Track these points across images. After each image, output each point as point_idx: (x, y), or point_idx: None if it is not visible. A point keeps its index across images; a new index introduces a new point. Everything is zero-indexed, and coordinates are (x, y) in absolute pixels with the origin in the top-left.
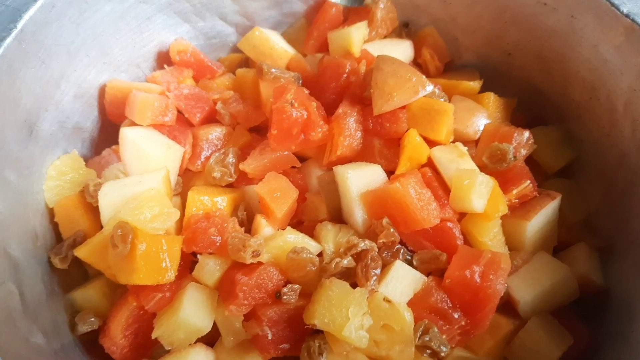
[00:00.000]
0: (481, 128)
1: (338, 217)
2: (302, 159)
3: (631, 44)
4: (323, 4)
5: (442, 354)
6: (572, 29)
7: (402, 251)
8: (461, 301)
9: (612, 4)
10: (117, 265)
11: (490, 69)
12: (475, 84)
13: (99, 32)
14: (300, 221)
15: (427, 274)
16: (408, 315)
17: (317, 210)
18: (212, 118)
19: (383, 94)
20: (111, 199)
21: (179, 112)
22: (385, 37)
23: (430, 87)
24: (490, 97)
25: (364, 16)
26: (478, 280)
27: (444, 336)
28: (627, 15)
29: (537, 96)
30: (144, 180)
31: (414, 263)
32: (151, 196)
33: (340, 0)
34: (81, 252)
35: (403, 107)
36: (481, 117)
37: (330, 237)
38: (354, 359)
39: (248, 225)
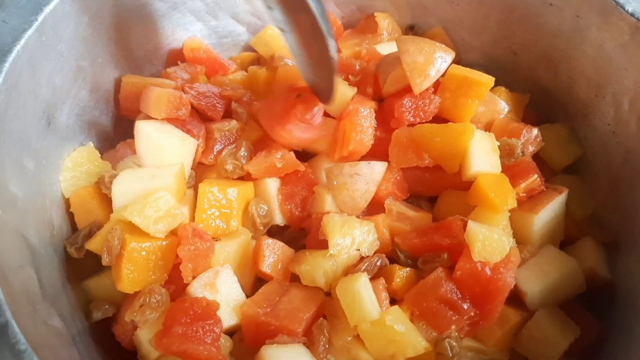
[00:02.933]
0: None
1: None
2: (312, 155)
3: (636, 42)
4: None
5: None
6: (577, 29)
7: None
8: (471, 293)
9: (617, 3)
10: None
11: (497, 69)
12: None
13: (116, 28)
14: (309, 214)
15: None
16: (398, 326)
17: (324, 202)
18: (226, 113)
19: (418, 72)
20: (124, 189)
21: (193, 107)
22: None
23: (452, 53)
24: (503, 91)
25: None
26: (489, 273)
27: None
28: (632, 14)
29: (543, 95)
30: (157, 175)
31: (419, 265)
32: (159, 197)
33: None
34: (92, 245)
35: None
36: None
37: (337, 228)
38: (356, 354)
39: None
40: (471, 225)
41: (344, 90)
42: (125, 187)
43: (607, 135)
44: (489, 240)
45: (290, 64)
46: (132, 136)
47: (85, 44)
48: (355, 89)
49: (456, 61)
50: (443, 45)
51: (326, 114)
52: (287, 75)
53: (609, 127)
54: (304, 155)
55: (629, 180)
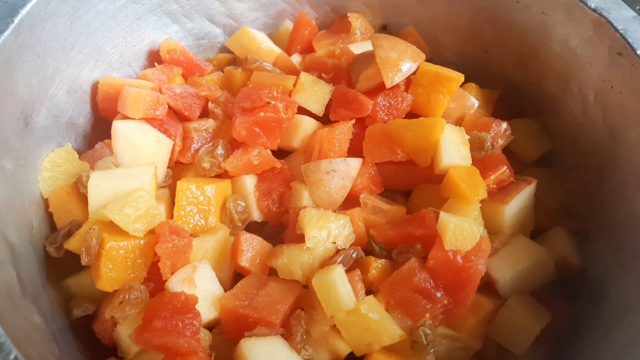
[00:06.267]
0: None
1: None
2: (289, 152)
3: (599, 37)
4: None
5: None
6: (544, 25)
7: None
8: (444, 281)
9: (581, 0)
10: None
11: (469, 66)
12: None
13: (92, 30)
14: (287, 210)
15: None
16: (373, 315)
17: (301, 197)
18: (203, 113)
19: (390, 67)
20: (99, 190)
21: (170, 107)
22: None
23: (423, 56)
24: (473, 87)
25: (345, 26)
26: (460, 261)
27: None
28: (594, 10)
29: (513, 90)
30: (134, 174)
31: (394, 256)
32: (139, 197)
33: None
34: (71, 244)
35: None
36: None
37: (313, 222)
38: (333, 344)
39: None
40: (443, 215)
41: (322, 89)
42: (101, 187)
43: (575, 127)
44: (460, 230)
45: (265, 65)
46: (110, 136)
47: (62, 45)
48: (331, 85)
49: (429, 59)
50: (415, 47)
51: (308, 113)
52: (261, 78)
53: (576, 120)
54: (281, 152)
55: (597, 171)
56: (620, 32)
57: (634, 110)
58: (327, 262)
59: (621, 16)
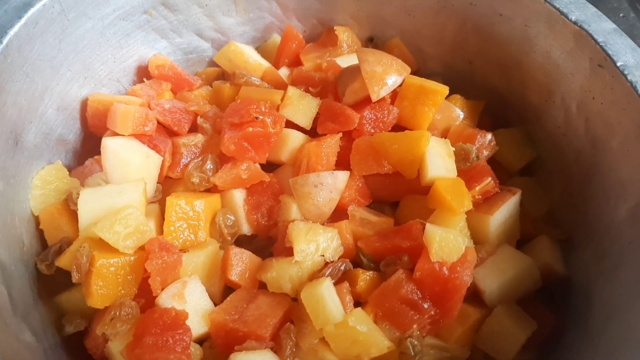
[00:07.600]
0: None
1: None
2: (277, 165)
3: (580, 49)
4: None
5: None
6: (527, 37)
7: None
8: (431, 292)
9: (562, 13)
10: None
11: (454, 77)
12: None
13: (81, 48)
14: (276, 223)
15: None
16: (361, 327)
17: (289, 211)
18: (192, 128)
19: (376, 81)
20: (90, 208)
21: (159, 122)
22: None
23: (408, 69)
24: (458, 99)
25: (332, 39)
26: (446, 272)
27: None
28: (575, 23)
29: (498, 101)
30: (124, 191)
31: (381, 268)
32: (129, 214)
33: None
34: (61, 262)
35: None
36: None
37: (302, 235)
38: (322, 356)
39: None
40: (429, 227)
41: (310, 103)
42: (91, 204)
43: (559, 137)
44: (446, 241)
45: (252, 80)
46: (99, 152)
47: (50, 64)
48: (318, 99)
49: (415, 70)
50: (400, 60)
51: (295, 126)
52: (249, 93)
53: (559, 130)
54: (269, 166)
55: (580, 179)
56: (601, 44)
57: (615, 121)
58: (315, 275)
59: (601, 28)
